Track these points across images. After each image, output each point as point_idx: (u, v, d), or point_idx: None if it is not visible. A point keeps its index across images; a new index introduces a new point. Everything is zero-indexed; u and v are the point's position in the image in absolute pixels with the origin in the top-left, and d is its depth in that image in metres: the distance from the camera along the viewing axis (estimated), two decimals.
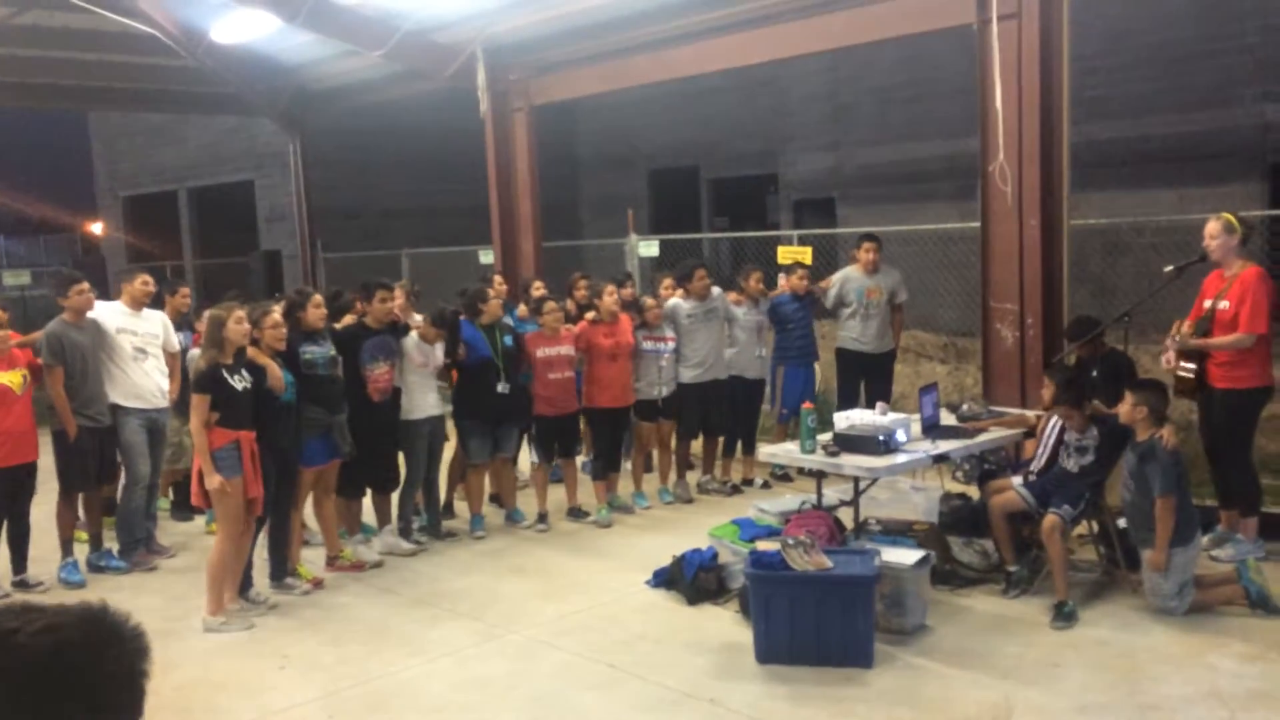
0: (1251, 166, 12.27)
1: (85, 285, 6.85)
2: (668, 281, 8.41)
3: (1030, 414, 6.53)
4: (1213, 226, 6.13)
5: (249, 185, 18.44)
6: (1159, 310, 6.97)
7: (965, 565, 6.03)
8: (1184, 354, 6.17)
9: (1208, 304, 6.11)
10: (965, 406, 6.76)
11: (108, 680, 1.31)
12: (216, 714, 4.81)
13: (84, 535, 7.06)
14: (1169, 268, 6.45)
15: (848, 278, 8.58)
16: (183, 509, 7.96)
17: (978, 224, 7.69)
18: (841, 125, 16.22)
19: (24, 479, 6.49)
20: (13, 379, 6.34)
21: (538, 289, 8.49)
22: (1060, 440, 5.88)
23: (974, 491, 6.72)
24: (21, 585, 6.53)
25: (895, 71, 15.00)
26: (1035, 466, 5.98)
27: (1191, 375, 6.13)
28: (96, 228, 24.69)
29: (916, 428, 6.23)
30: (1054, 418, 5.97)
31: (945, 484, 7.27)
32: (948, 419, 6.59)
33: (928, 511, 6.56)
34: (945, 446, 6.04)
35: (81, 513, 6.97)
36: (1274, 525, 6.34)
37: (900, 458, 5.79)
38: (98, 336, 6.84)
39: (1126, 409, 5.47)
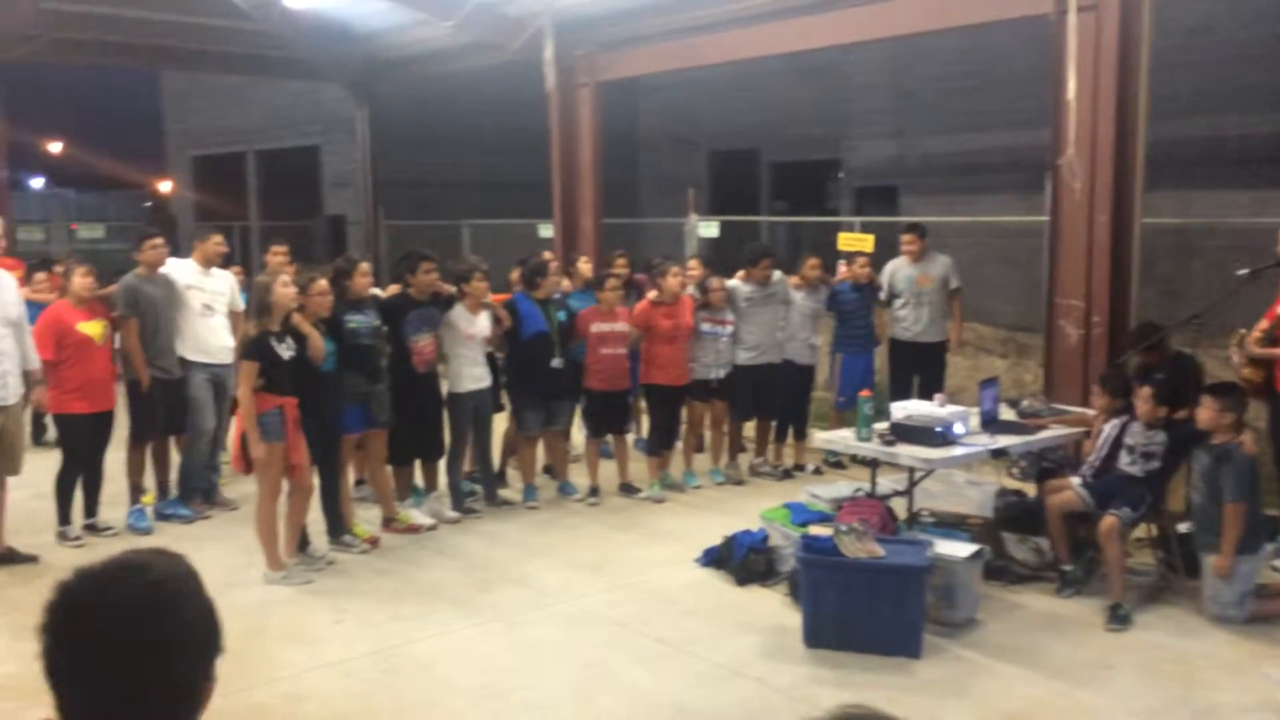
0: None
1: (159, 240, 7.01)
2: (693, 263, 8.52)
3: (1091, 413, 6.46)
4: None
5: (314, 150, 18.65)
6: (1230, 314, 6.84)
7: (1019, 562, 6.00)
8: (1251, 358, 6.06)
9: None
10: (1026, 403, 6.70)
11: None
12: (274, 663, 4.93)
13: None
14: (1242, 271, 6.33)
15: (896, 268, 8.55)
16: None
17: (1043, 218, 7.60)
18: (904, 113, 16.04)
19: (103, 426, 6.69)
20: (95, 329, 6.53)
21: (585, 263, 8.51)
22: (1119, 443, 5.81)
23: (1030, 489, 6.67)
24: (92, 528, 6.74)
25: (958, 60, 14.79)
26: (1087, 469, 5.91)
27: (1260, 379, 6.02)
28: (165, 186, 25.11)
29: (975, 421, 6.20)
30: (1112, 419, 5.91)
31: (1001, 480, 7.22)
32: (1007, 414, 6.54)
33: (982, 506, 6.52)
34: (1004, 441, 6.00)
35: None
36: None
37: (957, 450, 5.77)
38: (169, 291, 7.00)
39: (1208, 414, 5.38)
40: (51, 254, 13.64)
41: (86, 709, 1.38)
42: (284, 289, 5.93)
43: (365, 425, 6.62)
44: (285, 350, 5.90)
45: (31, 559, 6.07)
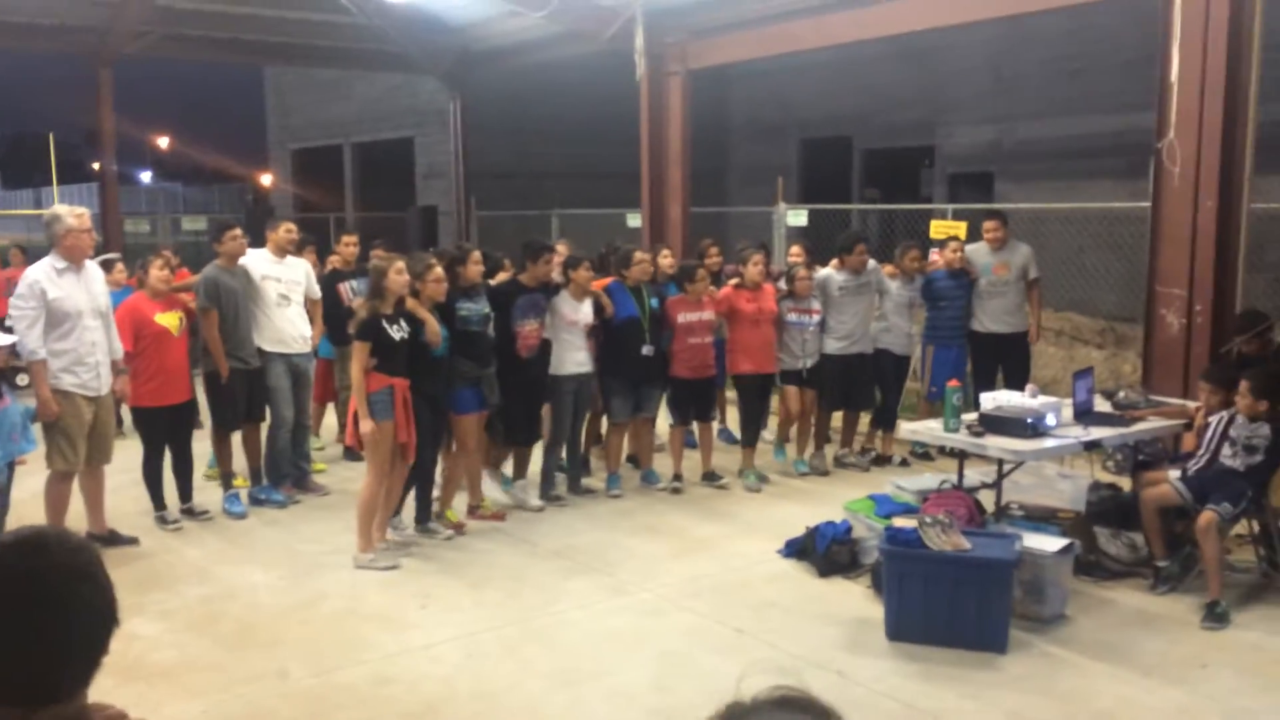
0: None
1: (238, 231, 7.15)
2: (796, 249, 8.41)
3: (1192, 405, 6.23)
4: None
5: (409, 142, 19.01)
6: None
7: (1111, 557, 5.83)
8: None
9: None
10: (1122, 394, 6.50)
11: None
12: (363, 645, 5.05)
13: (213, 473, 7.44)
14: None
15: (973, 255, 8.35)
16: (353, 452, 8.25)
17: (1147, 204, 7.35)
18: (1005, 97, 15.65)
19: (181, 417, 6.84)
20: (171, 320, 6.68)
21: (665, 256, 8.45)
22: (1225, 436, 5.59)
23: (1125, 483, 6.47)
24: (189, 513, 6.98)
25: (1063, 42, 14.36)
26: (1196, 464, 5.70)
27: None
28: (266, 179, 25.87)
29: (1068, 413, 6.03)
30: (1217, 415, 5.69)
31: (1095, 473, 7.01)
32: (1102, 406, 6.35)
33: (1074, 500, 6.34)
34: (1098, 434, 5.83)
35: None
36: None
37: (1049, 442, 5.62)
38: (247, 283, 7.13)
39: None
40: (158, 246, 14.14)
41: None
42: (398, 275, 6.08)
43: (480, 406, 6.75)
44: (397, 332, 6.05)
45: (133, 541, 6.32)
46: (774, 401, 8.47)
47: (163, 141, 43.58)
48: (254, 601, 5.62)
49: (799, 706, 1.31)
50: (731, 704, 1.30)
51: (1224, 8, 6.74)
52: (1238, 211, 6.89)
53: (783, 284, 8.00)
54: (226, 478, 7.22)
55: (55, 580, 1.50)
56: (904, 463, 8.35)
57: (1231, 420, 5.58)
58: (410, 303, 6.22)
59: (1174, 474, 5.68)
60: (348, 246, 8.47)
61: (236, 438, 7.27)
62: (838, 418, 8.41)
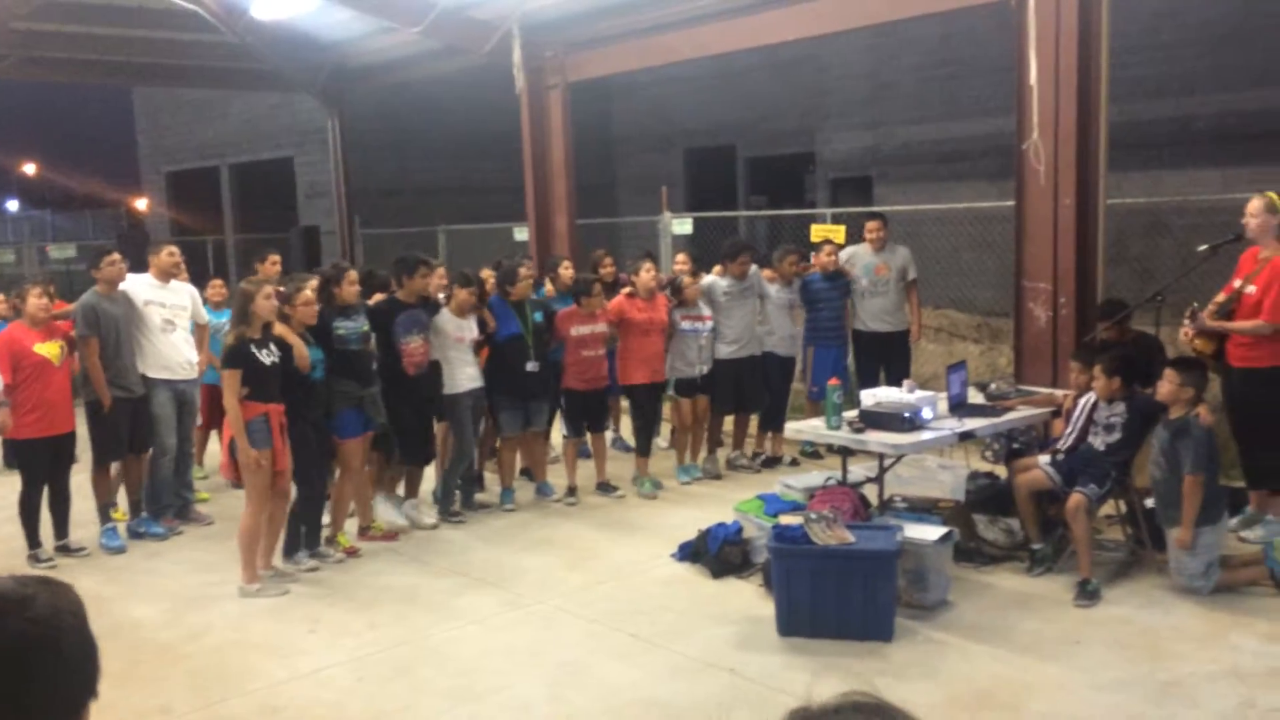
0: None
1: (116, 257, 6.94)
2: (682, 257, 8.51)
3: (1059, 393, 6.50)
4: (1255, 204, 6.05)
5: (289, 162, 18.62)
6: (1194, 291, 6.90)
7: (990, 543, 6.04)
8: (1203, 330, 6.12)
9: (1237, 284, 6.04)
10: (993, 385, 6.75)
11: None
12: (249, 675, 4.93)
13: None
14: (1203, 247, 6.39)
15: (855, 255, 8.59)
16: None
17: (1013, 203, 7.65)
18: (880, 103, 16.10)
19: (62, 449, 6.62)
20: (51, 350, 6.46)
21: (566, 268, 8.48)
22: (1090, 420, 5.86)
23: (1003, 471, 6.71)
24: (64, 550, 6.71)
25: (935, 49, 14.87)
26: (1064, 445, 5.96)
27: (1211, 351, 6.08)
28: (141, 203, 25.04)
29: (944, 406, 6.24)
30: (1085, 397, 5.95)
31: (973, 463, 7.26)
32: (975, 397, 6.58)
33: (954, 490, 6.57)
34: (971, 425, 6.04)
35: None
36: None
37: (925, 435, 5.80)
38: (129, 309, 6.93)
39: (1169, 388, 5.43)
40: (25, 276, 13.59)
41: None
42: (266, 300, 5.92)
43: (364, 428, 6.62)
44: (267, 356, 5.89)
45: None
46: (666, 409, 8.55)
47: (29, 168, 41.86)
48: (136, 638, 5.43)
49: (870, 711, 1.24)
50: (796, 710, 1.23)
51: (1073, 14, 7.06)
52: (1095, 207, 7.21)
53: (668, 292, 8.08)
54: (104, 510, 6.97)
55: (47, 640, 1.32)
56: (794, 462, 8.51)
57: (1096, 404, 5.84)
58: (279, 328, 6.07)
59: (1044, 459, 5.92)
60: (272, 266, 8.22)
61: (115, 468, 7.03)
62: (729, 421, 8.54)
